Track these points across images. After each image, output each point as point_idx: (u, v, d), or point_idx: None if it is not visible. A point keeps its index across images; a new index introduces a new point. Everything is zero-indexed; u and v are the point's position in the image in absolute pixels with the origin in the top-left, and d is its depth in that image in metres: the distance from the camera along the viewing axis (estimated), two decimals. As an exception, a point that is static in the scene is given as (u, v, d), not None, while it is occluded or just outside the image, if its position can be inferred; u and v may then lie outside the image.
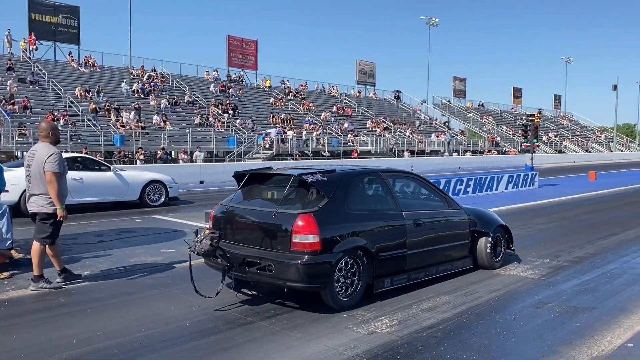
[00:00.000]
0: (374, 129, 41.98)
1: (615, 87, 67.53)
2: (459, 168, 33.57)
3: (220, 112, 35.13)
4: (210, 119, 33.49)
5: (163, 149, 27.58)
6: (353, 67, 53.30)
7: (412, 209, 6.08)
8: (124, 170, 13.66)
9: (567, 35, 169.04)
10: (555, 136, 60.73)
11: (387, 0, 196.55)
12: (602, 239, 9.63)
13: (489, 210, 7.89)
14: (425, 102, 57.37)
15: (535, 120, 22.96)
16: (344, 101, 47.87)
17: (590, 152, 60.89)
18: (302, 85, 48.26)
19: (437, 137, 45.40)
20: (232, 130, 32.81)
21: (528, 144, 23.67)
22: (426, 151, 41.69)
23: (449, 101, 60.77)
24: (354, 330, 4.86)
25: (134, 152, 26.24)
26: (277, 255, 5.04)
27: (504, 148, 51.06)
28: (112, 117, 29.20)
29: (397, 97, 55.17)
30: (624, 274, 7.05)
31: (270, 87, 43.96)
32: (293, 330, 4.86)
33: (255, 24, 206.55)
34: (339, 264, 5.15)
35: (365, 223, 5.43)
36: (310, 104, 43.11)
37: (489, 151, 47.01)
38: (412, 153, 39.34)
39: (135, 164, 23.82)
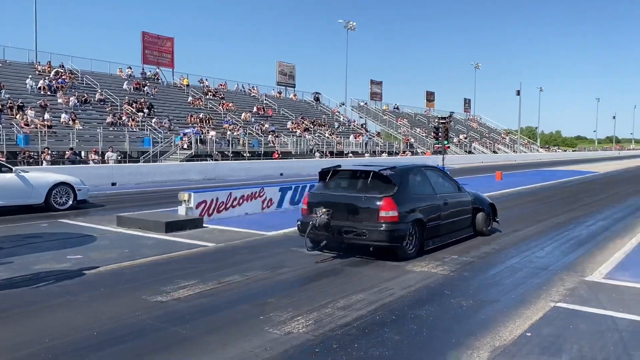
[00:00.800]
0: (294, 130, 42.14)
1: (518, 93, 72.13)
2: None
3: (134, 110, 33.82)
4: (124, 118, 32.15)
5: (72, 149, 26.13)
6: (273, 68, 53.29)
7: (440, 192, 8.49)
8: (27, 172, 12.85)
9: (476, 42, 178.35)
10: (465, 138, 63.92)
11: (307, 2, 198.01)
12: (505, 235, 10.22)
13: (481, 193, 10.39)
14: (343, 104, 58.48)
15: (446, 123, 24.03)
16: (264, 102, 47.68)
17: (497, 153, 64.62)
18: (221, 85, 47.53)
19: (355, 138, 46.34)
20: (147, 129, 31.69)
21: (440, 145, 24.72)
22: (345, 152, 42.43)
23: (366, 104, 62.23)
24: (271, 331, 4.85)
25: (40, 153, 24.69)
26: (368, 225, 7.28)
27: (417, 149, 53.03)
28: (15, 115, 27.34)
29: (317, 99, 55.73)
30: (524, 267, 7.54)
31: (188, 85, 42.93)
32: (209, 335, 4.78)
33: (173, 21, 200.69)
34: (409, 230, 7.46)
35: (420, 202, 7.85)
36: (230, 104, 42.56)
37: (404, 152, 48.63)
38: (331, 154, 39.91)
39: (41, 165, 22.47)
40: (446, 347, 4.56)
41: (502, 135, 77.32)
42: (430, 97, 73.05)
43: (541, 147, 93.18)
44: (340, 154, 41.51)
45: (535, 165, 46.28)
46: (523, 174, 32.02)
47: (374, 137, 50.79)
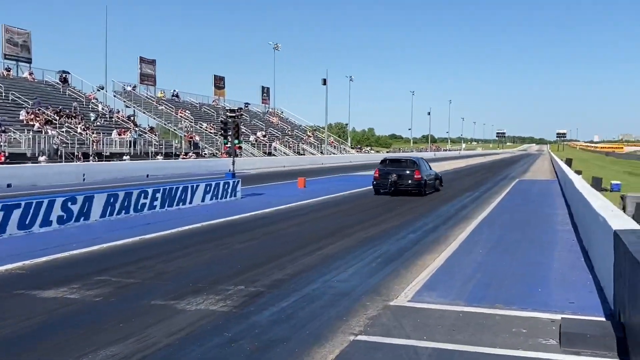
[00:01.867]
0: (31, 123, 39.18)
1: (325, 82, 76.75)
2: (147, 176, 33.58)
3: None
4: None
5: None
6: (-3, 35, 48.81)
7: (428, 169, 25.43)
8: None
9: (275, 21, 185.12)
10: (264, 136, 66.01)
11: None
12: (306, 255, 10.75)
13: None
14: (103, 88, 56.07)
15: (238, 117, 24.47)
16: (-16, 83, 43.49)
17: (302, 154, 67.93)
18: None
19: (120, 135, 44.75)
20: None
21: (229, 146, 25.05)
22: (105, 153, 40.66)
23: (134, 88, 60.57)
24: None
25: None
26: (410, 182, 23.41)
27: (204, 150, 53.21)
28: None
29: (64, 80, 52.59)
30: (324, 295, 7.95)
31: None
32: None
33: None
34: (425, 184, 23.98)
35: (424, 173, 24.27)
36: None
37: (186, 154, 48.42)
38: (85, 156, 37.89)
39: None
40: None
41: (308, 133, 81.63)
42: (219, 83, 73.92)
43: (352, 148, 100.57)
44: (100, 155, 39.67)
45: (345, 169, 49.76)
46: (330, 180, 34.21)
47: (145, 133, 49.64)
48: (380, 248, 11.62)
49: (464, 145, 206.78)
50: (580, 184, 17.60)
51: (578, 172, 32.59)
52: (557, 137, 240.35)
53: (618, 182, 34.07)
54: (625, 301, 6.05)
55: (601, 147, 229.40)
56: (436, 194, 24.69)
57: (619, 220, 8.08)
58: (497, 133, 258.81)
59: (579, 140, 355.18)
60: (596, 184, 30.55)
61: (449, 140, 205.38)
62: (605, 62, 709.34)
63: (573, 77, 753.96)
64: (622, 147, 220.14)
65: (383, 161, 24.95)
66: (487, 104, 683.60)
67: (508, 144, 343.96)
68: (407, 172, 23.52)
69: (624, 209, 19.48)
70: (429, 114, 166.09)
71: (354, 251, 11.22)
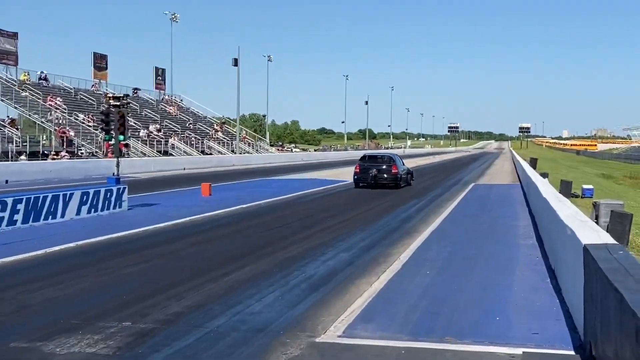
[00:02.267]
0: None
1: (236, 62, 76.48)
2: (7, 182, 32.68)
3: None
4: None
5: None
6: None
7: (403, 165, 35.76)
8: None
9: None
10: (159, 131, 65.23)
11: None
12: (210, 281, 10.70)
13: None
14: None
15: (123, 106, 24.08)
16: None
17: (209, 154, 67.47)
18: None
19: (-31, 129, 43.29)
20: None
21: (112, 143, 24.60)
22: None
23: (-12, 69, 58.80)
24: None
25: None
26: (387, 176, 32.84)
27: (81, 149, 52.12)
28: None
29: None
30: (233, 331, 7.93)
31: None
32: None
33: None
34: (399, 178, 33.48)
35: (402, 168, 34.46)
36: None
37: (57, 153, 47.32)
38: None
39: None
40: None
41: (216, 127, 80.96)
42: (100, 62, 72.53)
43: (272, 145, 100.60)
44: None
45: (262, 172, 49.69)
46: (243, 185, 34.28)
47: (4, 127, 48.24)
48: (305, 271, 11.71)
49: (409, 142, 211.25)
50: (546, 189, 18.16)
51: (544, 175, 33.87)
52: (519, 132, 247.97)
53: (590, 186, 35.53)
54: (597, 330, 6.31)
55: (571, 145, 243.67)
56: (376, 202, 25.21)
57: (590, 233, 8.35)
58: (450, 127, 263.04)
59: (545, 136, 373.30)
60: (565, 188, 31.90)
61: (392, 136, 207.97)
62: (575, 48, 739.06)
63: (539, 64, 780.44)
64: (595, 145, 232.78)
65: (362, 158, 34.93)
66: (437, 94, 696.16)
67: (462, 140, 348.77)
68: (385, 167, 33.13)
69: (596, 218, 20.17)
70: (366, 103, 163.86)
71: (272, 276, 11.25)
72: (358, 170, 33.15)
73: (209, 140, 73.49)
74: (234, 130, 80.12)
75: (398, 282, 10.71)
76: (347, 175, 38.52)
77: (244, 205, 23.17)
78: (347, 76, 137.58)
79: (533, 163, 61.32)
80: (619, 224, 18.59)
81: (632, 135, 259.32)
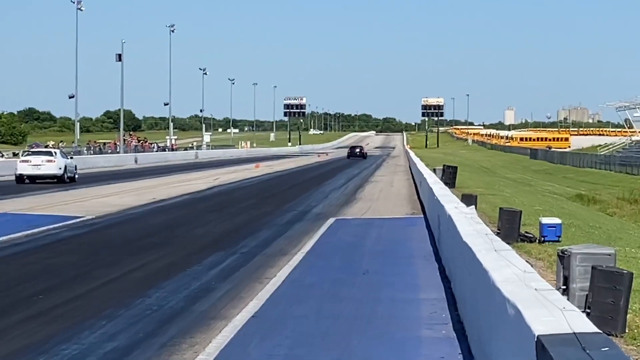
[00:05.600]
0: None
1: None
2: None
3: None
4: None
5: None
6: None
7: (367, 147, 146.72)
8: None
9: None
10: None
11: None
12: None
13: None
14: None
15: None
16: None
17: None
18: None
19: None
20: None
21: None
22: None
23: None
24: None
25: None
26: (360, 152, 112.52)
27: None
28: None
29: None
30: None
31: None
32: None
33: None
34: (366, 154, 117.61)
35: (367, 149, 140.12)
36: None
37: None
38: None
39: None
40: None
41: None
42: None
43: None
44: None
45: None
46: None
47: None
48: None
49: (207, 137, 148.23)
50: (471, 226, 11.89)
51: (468, 198, 24.14)
52: (424, 115, 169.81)
53: (555, 220, 21.27)
54: None
55: (521, 139, 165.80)
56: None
57: (550, 312, 5.60)
58: (287, 106, 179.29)
59: (472, 124, 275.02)
60: (508, 223, 20.05)
61: (172, 125, 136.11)
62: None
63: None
64: (565, 139, 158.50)
65: (350, 148, 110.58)
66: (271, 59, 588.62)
67: (313, 131, 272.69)
68: (358, 150, 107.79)
69: (565, 282, 12.54)
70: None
71: None
72: (350, 152, 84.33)
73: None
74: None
75: None
76: (83, 207, 29.42)
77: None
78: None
79: (449, 176, 41.60)
80: (607, 292, 11.35)
81: (634, 120, 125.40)
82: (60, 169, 44.50)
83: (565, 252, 12.93)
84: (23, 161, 45.30)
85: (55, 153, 46.78)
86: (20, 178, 44.23)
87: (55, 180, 44.31)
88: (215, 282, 14.35)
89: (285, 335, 10.16)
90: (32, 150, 52.76)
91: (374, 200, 35.68)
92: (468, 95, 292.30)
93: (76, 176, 47.83)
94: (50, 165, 44.24)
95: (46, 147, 62.26)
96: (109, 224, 25.11)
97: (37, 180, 44.17)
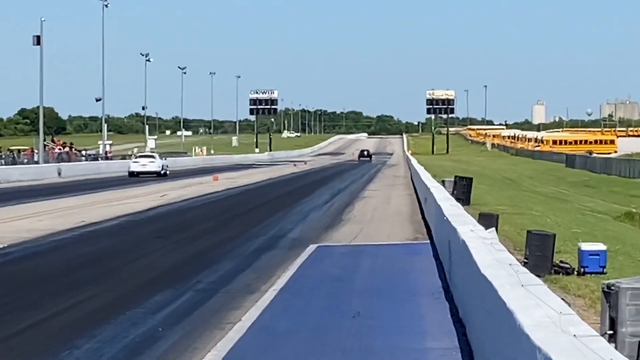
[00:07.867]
0: None
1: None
2: None
3: None
4: None
5: None
6: None
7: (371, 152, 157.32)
8: None
9: None
10: None
11: None
12: None
13: None
14: None
15: None
16: None
17: None
18: None
19: None
20: None
21: None
22: None
23: None
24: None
25: None
26: (369, 157, 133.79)
27: None
28: None
29: None
30: None
31: None
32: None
33: None
34: (371, 157, 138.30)
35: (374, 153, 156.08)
36: None
37: None
38: None
39: None
40: None
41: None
42: None
43: None
44: None
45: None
46: None
47: None
48: None
49: (152, 142, 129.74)
50: (491, 254, 10.58)
51: (487, 218, 20.78)
52: (429, 112, 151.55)
53: (599, 245, 18.80)
54: None
55: (553, 142, 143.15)
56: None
57: None
58: (253, 102, 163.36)
59: (492, 122, 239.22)
60: (540, 250, 18.33)
61: (105, 135, 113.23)
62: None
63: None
64: (612, 142, 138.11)
65: (360, 151, 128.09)
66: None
67: (288, 134, 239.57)
68: (366, 152, 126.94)
69: (611, 325, 11.28)
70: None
71: None
72: (359, 156, 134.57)
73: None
74: None
75: None
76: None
77: None
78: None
79: (463, 190, 36.07)
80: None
81: None
82: None
83: (612, 288, 11.84)
84: None
85: None
86: None
87: None
88: (162, 329, 12.50)
89: None
90: None
91: (367, 222, 30.97)
92: (486, 86, 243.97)
93: None
94: None
95: None
96: (26, 254, 21.62)
97: None
